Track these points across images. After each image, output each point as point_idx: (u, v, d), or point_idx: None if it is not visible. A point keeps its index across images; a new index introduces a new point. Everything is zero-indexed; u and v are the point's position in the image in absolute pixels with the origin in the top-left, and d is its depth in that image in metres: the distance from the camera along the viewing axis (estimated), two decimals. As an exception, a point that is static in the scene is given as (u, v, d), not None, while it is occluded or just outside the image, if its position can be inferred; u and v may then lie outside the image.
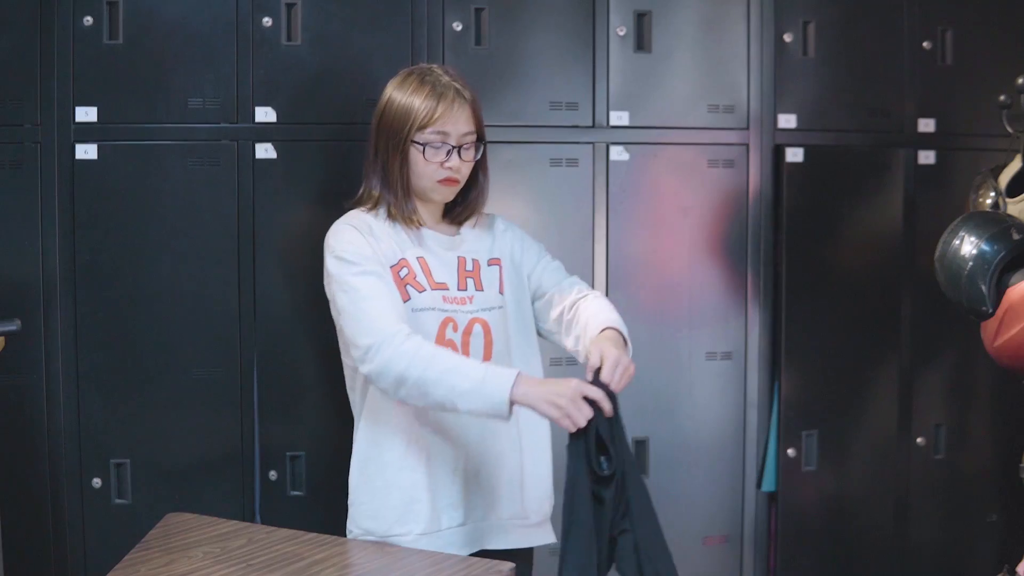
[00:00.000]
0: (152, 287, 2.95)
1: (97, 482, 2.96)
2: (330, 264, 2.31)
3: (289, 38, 2.99)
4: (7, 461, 2.90)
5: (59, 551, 2.95)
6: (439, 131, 2.30)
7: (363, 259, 2.27)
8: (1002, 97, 2.88)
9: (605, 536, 2.07)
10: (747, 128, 3.24)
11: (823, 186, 3.27)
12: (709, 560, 3.29)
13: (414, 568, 2.10)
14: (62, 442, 2.93)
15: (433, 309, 2.30)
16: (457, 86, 2.34)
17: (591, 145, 3.17)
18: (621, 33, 3.16)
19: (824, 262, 3.30)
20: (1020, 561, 2.63)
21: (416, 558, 2.15)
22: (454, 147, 2.32)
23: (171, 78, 2.95)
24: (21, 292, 2.88)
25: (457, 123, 2.31)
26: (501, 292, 2.40)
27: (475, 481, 2.34)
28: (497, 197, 3.06)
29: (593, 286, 3.13)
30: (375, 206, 2.38)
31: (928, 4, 3.31)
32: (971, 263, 2.55)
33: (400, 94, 2.33)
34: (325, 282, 2.35)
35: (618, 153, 3.17)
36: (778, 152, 3.25)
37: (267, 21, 2.97)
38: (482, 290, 2.37)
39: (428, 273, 2.33)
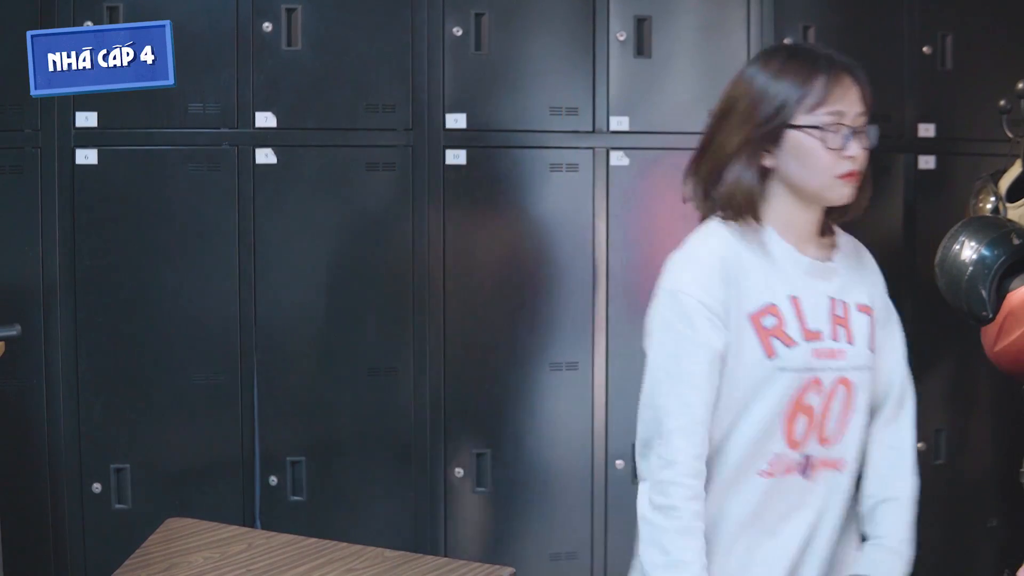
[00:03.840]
0: (152, 292, 2.95)
1: (97, 487, 2.95)
2: (654, 325, 1.91)
3: (289, 43, 2.99)
4: (7, 466, 2.89)
5: (59, 556, 2.95)
6: (834, 111, 1.81)
7: (685, 348, 1.85)
8: (1002, 102, 2.87)
9: None
10: (747, 133, 3.23)
11: (823, 191, 3.27)
12: (709, 565, 3.28)
13: (414, 573, 2.10)
14: (62, 447, 2.93)
15: (798, 370, 1.84)
16: (835, 54, 1.85)
17: (591, 150, 3.16)
18: (621, 38, 3.15)
19: (824, 267, 3.29)
20: (1020, 566, 2.63)
21: (417, 563, 2.15)
22: (852, 130, 1.82)
23: (171, 83, 2.95)
24: (21, 297, 2.88)
25: (851, 100, 1.82)
26: (871, 349, 1.92)
27: None
28: (497, 203, 3.08)
29: (594, 291, 3.14)
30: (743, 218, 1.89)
31: (928, 9, 3.30)
32: (971, 268, 2.55)
33: (766, 73, 1.84)
34: (647, 320, 1.93)
35: (618, 158, 3.17)
36: (778, 157, 3.24)
37: (267, 26, 2.97)
38: (852, 343, 1.89)
39: (802, 318, 1.86)
